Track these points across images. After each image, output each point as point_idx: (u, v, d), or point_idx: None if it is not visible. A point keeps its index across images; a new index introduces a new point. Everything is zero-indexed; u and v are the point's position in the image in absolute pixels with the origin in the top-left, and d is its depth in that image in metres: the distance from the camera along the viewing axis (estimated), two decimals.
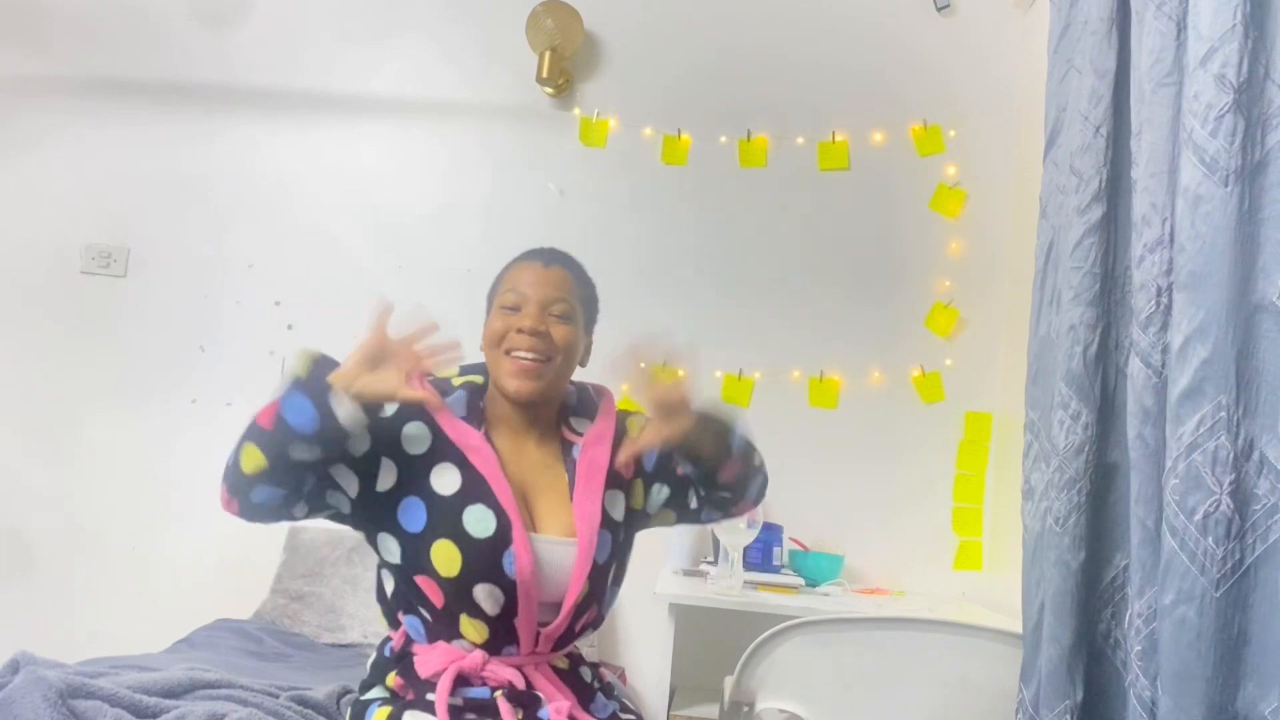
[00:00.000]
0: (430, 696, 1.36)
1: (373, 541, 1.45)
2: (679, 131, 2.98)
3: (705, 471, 1.49)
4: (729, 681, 1.76)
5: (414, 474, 1.41)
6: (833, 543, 2.77)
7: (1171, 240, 1.36)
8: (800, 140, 2.97)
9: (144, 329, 3.00)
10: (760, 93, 3.01)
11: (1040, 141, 1.83)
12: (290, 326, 3.00)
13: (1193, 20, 1.35)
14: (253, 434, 1.30)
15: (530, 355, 1.45)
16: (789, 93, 3.01)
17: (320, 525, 2.77)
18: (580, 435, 1.54)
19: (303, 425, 1.27)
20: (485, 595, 1.38)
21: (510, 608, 1.39)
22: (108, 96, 3.08)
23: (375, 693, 1.45)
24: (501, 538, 1.38)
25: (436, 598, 1.39)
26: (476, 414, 1.49)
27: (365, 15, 3.10)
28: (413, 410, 1.41)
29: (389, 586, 1.45)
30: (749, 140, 2.97)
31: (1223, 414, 1.25)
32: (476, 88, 3.07)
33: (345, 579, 2.67)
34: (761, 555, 2.55)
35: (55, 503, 2.93)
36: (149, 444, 2.94)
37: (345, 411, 1.28)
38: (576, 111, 3.03)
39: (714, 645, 2.26)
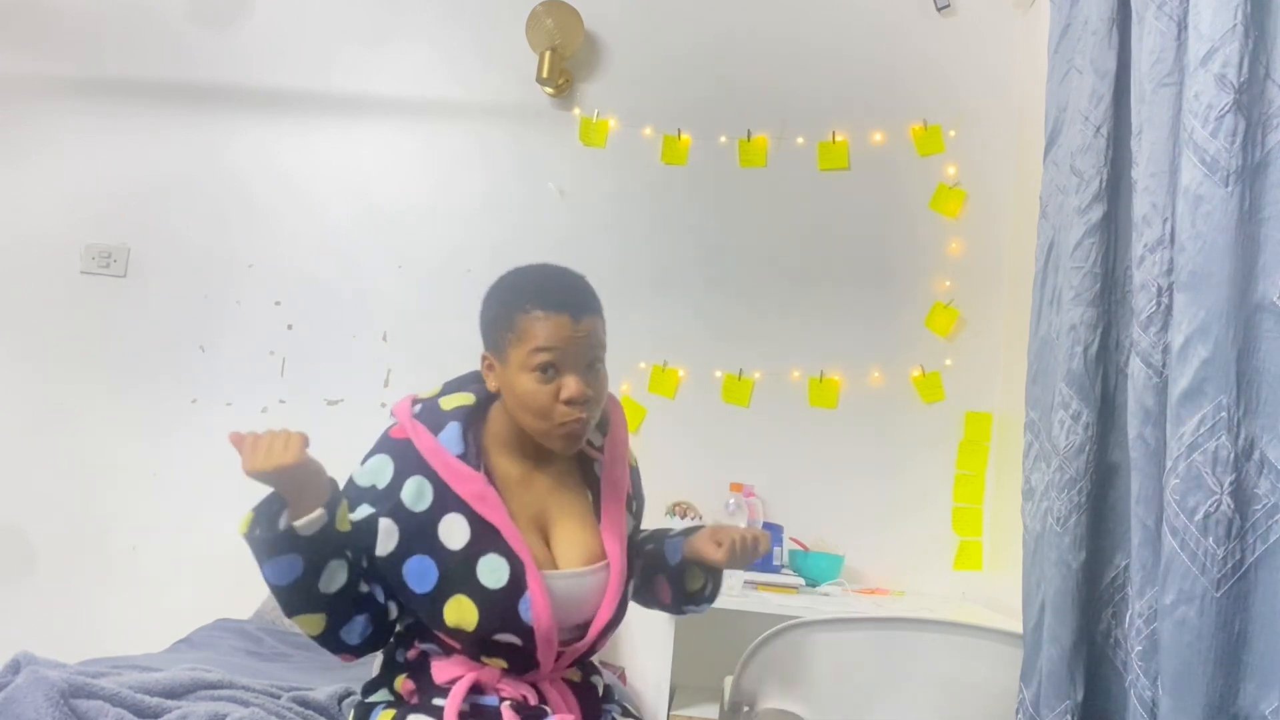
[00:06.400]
0: (438, 701, 1.35)
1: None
2: (679, 131, 2.98)
3: (675, 578, 1.53)
4: (729, 681, 1.76)
5: (420, 532, 1.34)
6: (833, 543, 2.77)
7: (1172, 240, 1.36)
8: (800, 140, 2.97)
9: (144, 329, 2.99)
10: (760, 93, 3.01)
11: (1040, 141, 1.83)
12: (290, 326, 3.00)
13: (1193, 20, 1.35)
14: (287, 611, 1.31)
15: (584, 419, 1.37)
16: (789, 93, 3.01)
17: None
18: (598, 449, 1.50)
19: (291, 576, 1.26)
20: (506, 640, 1.35)
21: (530, 645, 1.36)
22: (108, 97, 3.08)
23: (380, 695, 1.43)
24: (516, 585, 1.33)
25: (454, 645, 1.37)
26: (473, 446, 1.40)
27: (365, 15, 3.10)
28: (409, 467, 1.36)
29: (401, 623, 1.42)
30: (749, 140, 2.97)
31: (1223, 414, 1.25)
32: (476, 88, 3.07)
33: None
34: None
35: (55, 503, 2.93)
36: (149, 444, 2.94)
37: (303, 524, 1.25)
38: (576, 111, 3.03)
39: (714, 645, 2.27)
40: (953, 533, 2.82)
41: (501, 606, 1.33)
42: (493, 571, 1.33)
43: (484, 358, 1.43)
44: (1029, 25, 2.83)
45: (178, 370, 2.97)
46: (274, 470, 1.23)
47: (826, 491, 2.84)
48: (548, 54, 2.90)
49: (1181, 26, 1.40)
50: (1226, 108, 1.28)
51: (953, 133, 2.93)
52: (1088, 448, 1.54)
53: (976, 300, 2.88)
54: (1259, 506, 1.24)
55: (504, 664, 1.37)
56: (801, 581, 2.51)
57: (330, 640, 1.34)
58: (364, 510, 1.34)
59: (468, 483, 1.36)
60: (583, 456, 1.50)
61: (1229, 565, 1.23)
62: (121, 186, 3.05)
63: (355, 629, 1.34)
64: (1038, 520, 1.64)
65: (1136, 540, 1.39)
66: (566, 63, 2.97)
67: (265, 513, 1.28)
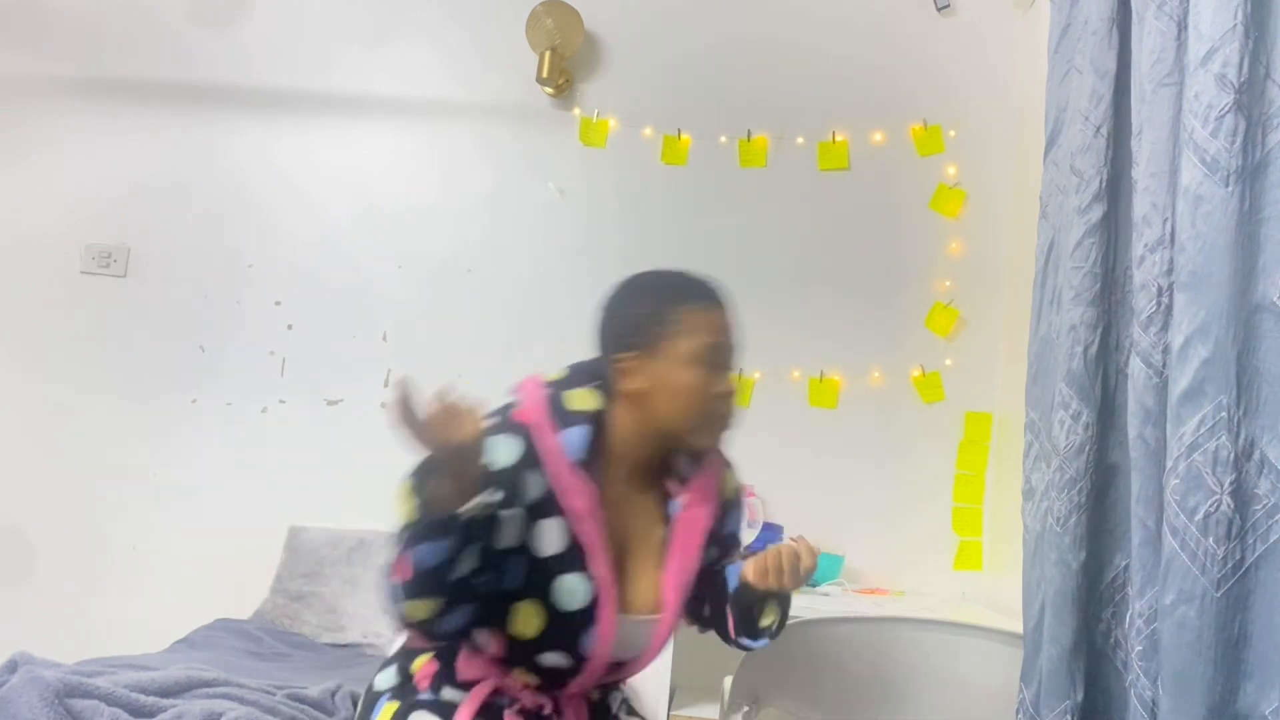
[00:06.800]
0: (447, 694, 1.31)
1: None
2: (679, 131, 2.98)
3: (741, 607, 1.42)
4: (729, 681, 1.76)
5: (520, 527, 1.27)
6: (833, 543, 2.76)
7: (1172, 240, 1.36)
8: (800, 140, 2.97)
9: (144, 329, 3.00)
10: (760, 92, 3.01)
11: (1040, 141, 1.83)
12: (290, 326, 3.00)
13: (1193, 20, 1.35)
14: (407, 594, 1.18)
15: (732, 415, 1.34)
16: (789, 92, 3.00)
17: (320, 525, 2.79)
18: (682, 485, 1.42)
19: (438, 559, 1.16)
20: (552, 661, 1.30)
21: (574, 672, 1.32)
22: (108, 97, 3.08)
23: (388, 677, 1.39)
24: (588, 614, 1.28)
25: (498, 649, 1.30)
26: (596, 458, 1.32)
27: (365, 15, 3.10)
28: (531, 457, 1.28)
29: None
30: (749, 140, 2.97)
31: (1223, 414, 1.25)
32: (476, 88, 3.07)
33: (345, 579, 2.67)
34: None
35: (55, 503, 2.93)
36: (149, 444, 2.94)
37: (469, 509, 1.16)
38: (576, 111, 3.02)
39: (714, 645, 2.26)
40: (953, 533, 2.82)
41: (567, 630, 1.28)
42: (571, 593, 1.28)
43: (619, 359, 1.35)
44: (1029, 25, 2.83)
45: (178, 370, 2.97)
46: (449, 448, 1.14)
47: (826, 491, 2.84)
48: (548, 54, 2.90)
49: (1181, 26, 1.39)
50: (1226, 108, 1.28)
51: (953, 133, 2.93)
52: (1088, 448, 1.54)
53: (976, 300, 2.88)
54: (1259, 506, 1.24)
55: (535, 680, 1.32)
56: None
57: (428, 627, 1.22)
58: (492, 494, 1.23)
59: (578, 496, 1.29)
60: (663, 492, 1.42)
61: (1229, 565, 1.23)
62: (121, 186, 3.05)
63: (457, 619, 1.23)
64: (1038, 520, 1.64)
65: (1136, 540, 1.39)
66: (566, 63, 2.97)
67: (424, 488, 1.17)
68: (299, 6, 3.12)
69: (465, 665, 1.34)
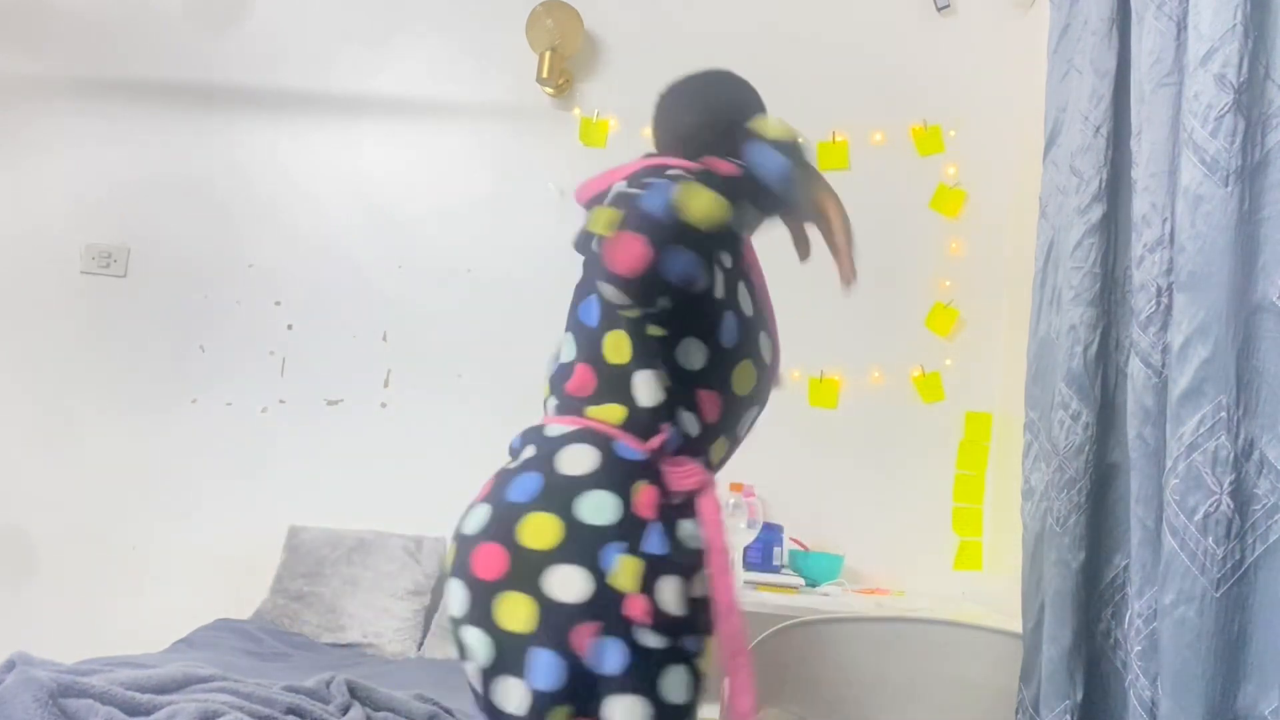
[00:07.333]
0: (684, 531, 1.22)
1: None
2: None
3: None
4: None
5: (729, 286, 1.32)
6: (833, 543, 2.76)
7: (1172, 240, 1.36)
8: (800, 140, 2.96)
9: (144, 329, 3.00)
10: (760, 92, 3.00)
11: (1040, 141, 1.83)
12: (290, 326, 3.00)
13: (1193, 20, 1.35)
14: (734, 182, 1.24)
15: None
16: (789, 93, 2.98)
17: (320, 525, 2.79)
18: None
19: (777, 175, 1.28)
20: (749, 418, 1.38)
21: (752, 423, 1.40)
22: (108, 97, 3.08)
23: (606, 503, 1.17)
24: (774, 364, 1.40)
25: (713, 413, 1.29)
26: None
27: (366, 15, 3.10)
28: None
29: (656, 394, 1.24)
30: None
31: (1223, 414, 1.25)
32: (476, 88, 3.07)
33: (345, 579, 2.67)
34: (761, 555, 2.54)
35: (56, 503, 2.93)
36: (149, 444, 2.94)
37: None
38: (576, 111, 3.02)
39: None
40: (953, 533, 2.82)
41: (766, 381, 1.37)
42: (766, 347, 1.37)
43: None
44: (1029, 25, 2.82)
45: (178, 370, 2.97)
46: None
47: (826, 491, 2.84)
48: (548, 54, 2.90)
49: (1181, 26, 1.40)
50: (1226, 108, 1.28)
51: (953, 133, 2.93)
52: (1087, 448, 1.54)
53: (976, 300, 2.88)
54: (1259, 506, 1.24)
55: (724, 451, 1.36)
56: (801, 581, 2.51)
57: (675, 242, 1.12)
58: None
59: (753, 253, 1.42)
60: None
61: (1229, 565, 1.23)
62: (121, 186, 3.05)
63: (687, 258, 1.13)
64: (1037, 520, 1.64)
65: (1136, 540, 1.39)
66: (566, 63, 2.97)
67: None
68: (299, 6, 3.12)
69: (678, 474, 1.23)
